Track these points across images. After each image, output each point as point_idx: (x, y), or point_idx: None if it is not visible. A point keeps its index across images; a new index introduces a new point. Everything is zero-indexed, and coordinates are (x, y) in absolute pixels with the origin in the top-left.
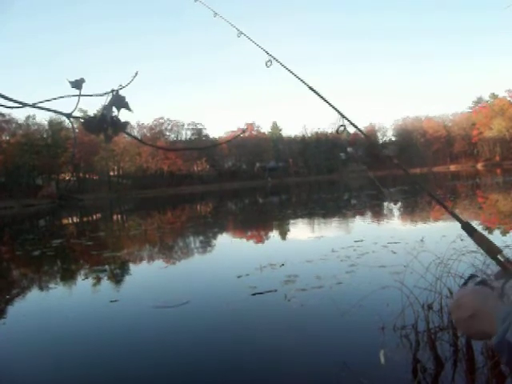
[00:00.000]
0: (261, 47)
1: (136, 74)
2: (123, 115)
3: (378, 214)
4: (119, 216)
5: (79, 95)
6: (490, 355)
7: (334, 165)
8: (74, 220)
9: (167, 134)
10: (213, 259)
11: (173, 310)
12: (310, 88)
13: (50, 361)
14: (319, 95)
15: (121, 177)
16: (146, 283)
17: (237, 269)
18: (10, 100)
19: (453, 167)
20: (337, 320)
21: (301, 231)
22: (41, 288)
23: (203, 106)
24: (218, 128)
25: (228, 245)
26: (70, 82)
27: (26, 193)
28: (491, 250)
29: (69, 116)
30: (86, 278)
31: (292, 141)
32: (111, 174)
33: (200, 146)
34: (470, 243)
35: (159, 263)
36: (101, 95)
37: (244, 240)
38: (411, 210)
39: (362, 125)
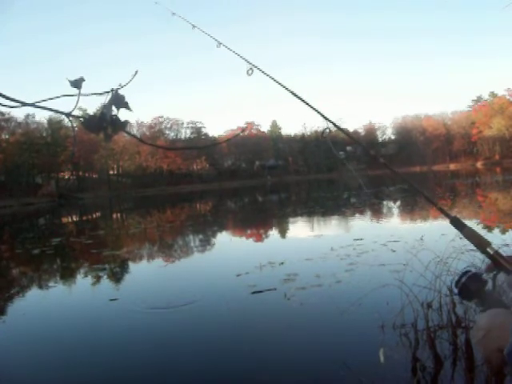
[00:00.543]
0: (241, 56)
1: (136, 73)
2: (123, 114)
3: (378, 212)
4: (119, 214)
5: (79, 94)
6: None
7: (334, 163)
8: (74, 218)
9: (167, 132)
10: (212, 258)
11: (171, 309)
12: (293, 94)
13: (49, 360)
14: (302, 100)
15: (120, 175)
16: (146, 282)
17: (236, 267)
18: (10, 99)
19: (452, 166)
20: (336, 318)
21: (300, 230)
22: (40, 286)
23: (203, 104)
24: (217, 127)
25: (227, 243)
26: (70, 82)
27: (26, 191)
28: (481, 243)
29: (68, 115)
30: (86, 276)
31: (292, 139)
32: (111, 172)
33: (199, 144)
34: (469, 242)
35: (159, 262)
36: (100, 94)
37: (243, 238)
38: (410, 209)
39: (362, 123)
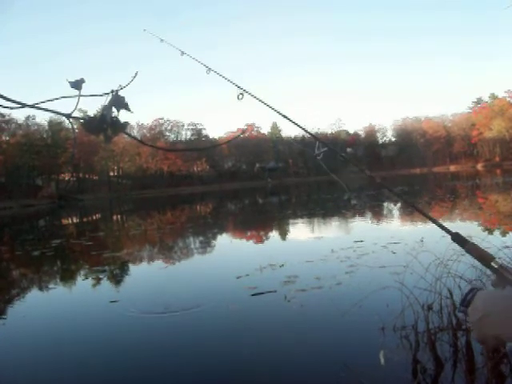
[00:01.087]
0: (231, 81)
1: (136, 74)
2: (123, 115)
3: (378, 214)
4: (119, 216)
5: (79, 95)
6: (489, 356)
7: (334, 165)
8: (74, 220)
9: (167, 134)
10: (212, 260)
11: (171, 311)
12: (284, 116)
13: (49, 361)
14: (294, 122)
15: (120, 177)
16: (146, 284)
17: (236, 269)
18: (10, 100)
19: (452, 168)
20: (336, 320)
21: (300, 232)
22: (40, 288)
23: (203, 106)
24: (217, 128)
25: (228, 245)
26: (70, 83)
27: (26, 193)
28: (484, 258)
29: (68, 116)
30: (86, 278)
31: (292, 141)
32: (111, 174)
33: (200, 146)
34: None
35: (159, 263)
36: (100, 95)
37: (244, 240)
38: (410, 211)
39: (362, 125)
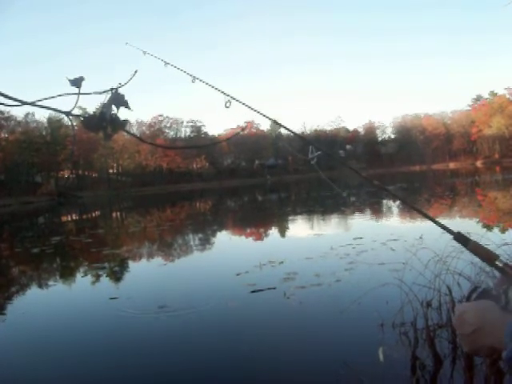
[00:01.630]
0: (217, 89)
1: (135, 72)
2: (122, 113)
3: (377, 211)
4: (118, 213)
5: (78, 93)
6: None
7: (333, 162)
8: (73, 217)
9: (166, 131)
10: (212, 257)
11: (171, 307)
12: (275, 122)
13: (48, 358)
14: (285, 127)
15: (120, 174)
16: (145, 280)
17: (236, 266)
18: (10, 98)
19: (452, 165)
20: (336, 317)
21: (300, 229)
22: (40, 285)
23: (203, 103)
24: (217, 125)
25: (227, 242)
26: (70, 80)
27: (25, 190)
28: (488, 257)
29: (68, 114)
30: (86, 275)
31: (291, 138)
32: (110, 171)
33: (199, 143)
34: None
35: (158, 260)
36: (100, 93)
37: (243, 237)
38: (409, 208)
39: (362, 122)
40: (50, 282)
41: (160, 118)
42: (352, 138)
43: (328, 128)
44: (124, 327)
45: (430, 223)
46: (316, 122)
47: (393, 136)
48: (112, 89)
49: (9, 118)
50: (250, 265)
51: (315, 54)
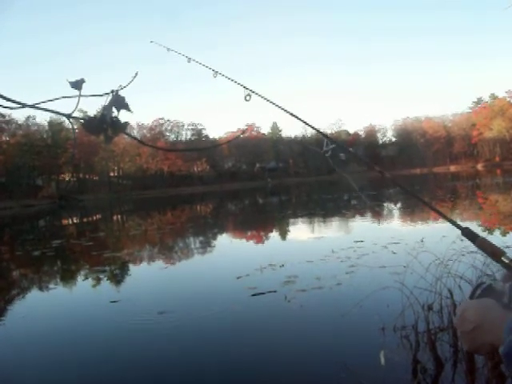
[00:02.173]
0: (238, 83)
1: (136, 74)
2: (123, 116)
3: (378, 214)
4: (119, 216)
5: (79, 96)
6: (489, 356)
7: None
8: (74, 220)
9: (167, 134)
10: (212, 260)
11: (172, 311)
12: (293, 115)
13: (48, 361)
14: (302, 121)
15: (121, 177)
16: (146, 284)
17: (236, 269)
18: (10, 100)
19: (453, 168)
20: (337, 321)
21: (301, 232)
22: (41, 289)
23: (203, 106)
24: (218, 128)
25: (228, 245)
26: (70, 83)
27: (26, 193)
28: (495, 253)
29: (69, 116)
30: (86, 278)
31: (292, 141)
32: (111, 174)
33: (200, 146)
34: (469, 244)
35: (159, 264)
36: (101, 95)
37: (244, 241)
38: (411, 211)
39: (362, 125)
40: (51, 285)
41: (161, 121)
42: (353, 140)
43: (329, 131)
44: (124, 330)
45: (430, 226)
46: (317, 124)
47: (393, 139)
48: (113, 91)
49: (10, 121)
50: (251, 268)
51: (315, 54)
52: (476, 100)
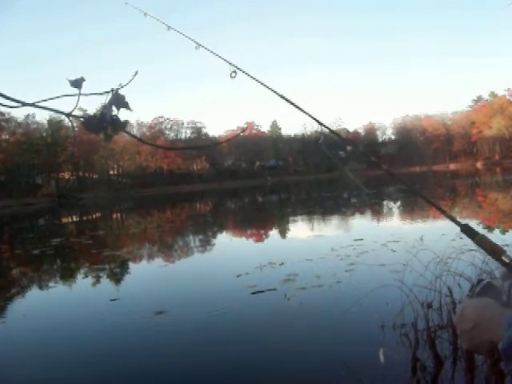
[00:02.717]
0: (222, 58)
1: (136, 73)
2: (123, 114)
3: (378, 212)
4: (119, 215)
5: (79, 94)
6: (489, 354)
7: (334, 163)
8: (74, 219)
9: (167, 132)
10: (212, 258)
11: (172, 309)
12: (281, 96)
13: (49, 360)
14: (291, 103)
15: (120, 175)
16: (146, 282)
17: (236, 268)
18: (10, 99)
19: (452, 166)
20: (336, 318)
21: (300, 230)
22: (40, 287)
23: (203, 104)
24: (217, 127)
25: (227, 244)
26: (70, 81)
27: (26, 192)
28: (494, 251)
29: (68, 115)
30: (86, 276)
31: (292, 139)
32: (111, 172)
33: (200, 144)
34: (469, 242)
35: (159, 262)
36: (100, 94)
37: (243, 239)
38: (410, 209)
39: (362, 123)
40: (51, 284)
41: (160, 120)
42: (352, 139)
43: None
44: (124, 328)
45: (430, 224)
46: (316, 123)
47: (393, 137)
48: (112, 90)
49: (9, 120)
50: (251, 266)
51: (315, 54)
52: (476, 98)
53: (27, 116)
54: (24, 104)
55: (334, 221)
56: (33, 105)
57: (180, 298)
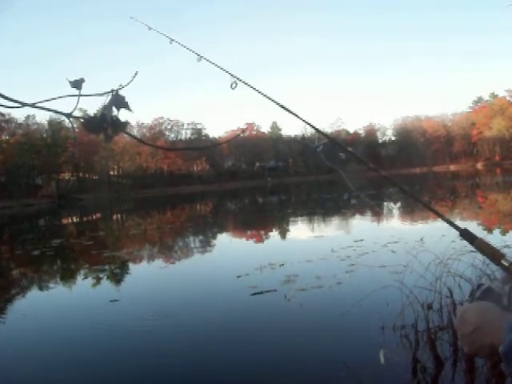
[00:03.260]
0: (223, 69)
1: (136, 73)
2: (123, 115)
3: (378, 213)
4: (119, 216)
5: (79, 95)
6: (489, 357)
7: (333, 164)
8: (74, 220)
9: (167, 133)
10: (212, 259)
11: (172, 310)
12: (281, 106)
13: (49, 360)
14: (291, 112)
15: (120, 176)
16: (146, 283)
17: (236, 269)
18: (10, 100)
19: (452, 167)
20: (337, 320)
21: (300, 231)
22: (40, 288)
23: (203, 105)
24: (217, 128)
25: (228, 245)
26: (70, 82)
27: (26, 192)
28: (494, 255)
29: (69, 116)
30: (86, 277)
31: (292, 140)
32: (111, 173)
33: (200, 145)
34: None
35: (159, 263)
36: (100, 95)
37: (244, 240)
38: (410, 210)
39: (362, 124)
40: (51, 285)
41: (160, 120)
42: (352, 140)
43: (329, 130)
44: (124, 329)
45: (430, 226)
46: (316, 123)
47: (393, 138)
48: (112, 90)
49: (10, 121)
50: (251, 267)
51: (315, 54)
52: (476, 99)
53: (27, 117)
54: (24, 105)
55: (334, 222)
56: (33, 105)
57: (180, 299)
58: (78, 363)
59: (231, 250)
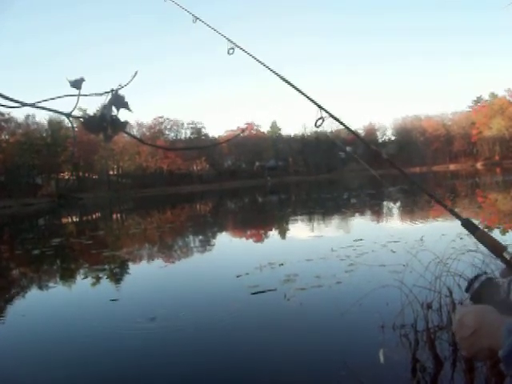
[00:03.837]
0: (220, 33)
1: (135, 73)
2: (123, 114)
3: (378, 213)
4: (119, 215)
5: (79, 95)
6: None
7: (334, 164)
8: (74, 219)
9: (167, 133)
10: (212, 258)
11: (172, 309)
12: (278, 75)
13: (48, 360)
14: (290, 83)
15: (120, 176)
16: (146, 282)
17: (236, 268)
18: (10, 100)
19: (452, 166)
20: (336, 319)
21: (300, 230)
22: (40, 287)
23: (203, 105)
24: (217, 127)
25: (227, 244)
26: (70, 82)
27: (26, 192)
28: (495, 247)
29: (68, 115)
30: (86, 277)
31: (291, 140)
32: (111, 173)
33: (200, 145)
34: (469, 242)
35: (158, 262)
36: (100, 95)
37: (243, 239)
38: (410, 209)
39: (362, 124)
40: (51, 284)
41: (160, 120)
42: (352, 139)
43: (328, 129)
44: (124, 329)
45: (430, 225)
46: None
47: (393, 137)
48: (112, 90)
49: (9, 120)
50: (251, 266)
51: (315, 54)
52: (476, 99)
53: (27, 116)
54: (24, 104)
55: (334, 221)
56: (33, 105)
57: (180, 299)
58: (78, 363)
59: (231, 249)
